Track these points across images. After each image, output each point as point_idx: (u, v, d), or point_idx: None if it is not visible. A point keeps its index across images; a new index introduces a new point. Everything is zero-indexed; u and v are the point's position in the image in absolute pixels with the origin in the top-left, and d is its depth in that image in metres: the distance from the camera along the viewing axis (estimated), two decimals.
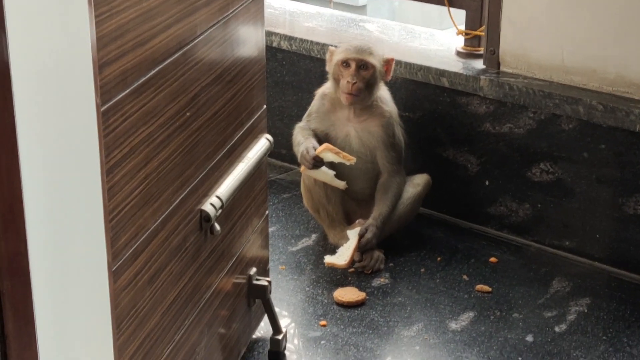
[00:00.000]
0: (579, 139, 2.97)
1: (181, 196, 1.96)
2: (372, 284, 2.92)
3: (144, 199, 1.78)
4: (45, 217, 1.41)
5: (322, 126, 3.05)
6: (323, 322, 2.74)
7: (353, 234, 2.98)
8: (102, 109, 1.57)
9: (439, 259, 3.07)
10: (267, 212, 2.59)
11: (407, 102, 3.27)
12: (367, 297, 2.85)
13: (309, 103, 3.15)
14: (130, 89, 1.68)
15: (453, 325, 2.73)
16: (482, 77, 3.09)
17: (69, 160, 1.43)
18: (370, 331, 2.70)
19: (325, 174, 2.97)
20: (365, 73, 2.94)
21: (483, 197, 3.21)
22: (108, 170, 1.61)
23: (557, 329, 2.71)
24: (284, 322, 2.69)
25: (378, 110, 3.03)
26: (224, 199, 2.15)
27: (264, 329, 2.67)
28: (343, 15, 3.72)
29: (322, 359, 2.59)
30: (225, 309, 2.32)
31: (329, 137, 3.04)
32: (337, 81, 2.99)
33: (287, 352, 2.61)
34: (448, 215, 3.31)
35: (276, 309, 2.59)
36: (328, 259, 2.92)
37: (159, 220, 1.86)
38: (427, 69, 3.20)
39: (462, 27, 3.31)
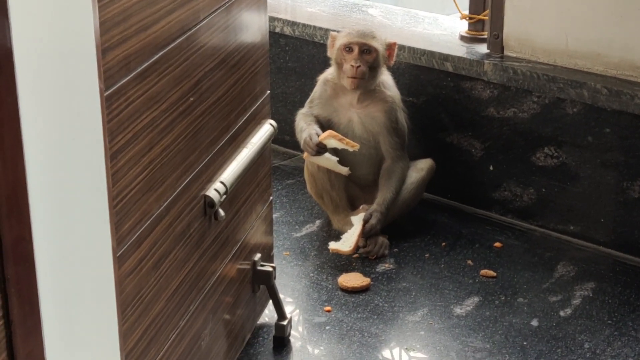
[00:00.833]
0: (583, 123, 2.97)
1: (185, 182, 1.96)
2: (377, 270, 2.92)
3: (148, 185, 1.78)
4: (49, 202, 1.41)
5: (324, 112, 3.04)
6: (328, 308, 2.74)
7: (357, 220, 2.98)
8: (106, 94, 1.56)
9: (443, 244, 3.06)
10: (271, 198, 2.59)
11: (411, 87, 3.26)
12: (372, 283, 2.85)
13: (312, 89, 3.14)
14: (133, 74, 1.67)
15: (458, 310, 2.73)
16: (485, 61, 3.08)
17: (72, 146, 1.42)
18: (375, 316, 2.70)
19: (329, 160, 2.97)
20: (368, 57, 2.93)
21: (487, 182, 3.21)
22: (112, 156, 1.60)
23: (562, 314, 2.71)
24: (288, 308, 2.69)
25: (381, 96, 3.02)
26: (228, 184, 2.15)
27: (268, 315, 2.67)
28: (346, 0, 3.71)
29: (327, 344, 2.59)
30: (230, 295, 2.32)
31: (332, 123, 3.04)
32: (340, 66, 2.98)
33: (291, 338, 2.61)
34: (452, 201, 3.31)
35: (281, 295, 2.59)
36: (332, 245, 2.92)
37: (163, 206, 1.86)
38: (431, 54, 3.19)
39: (466, 12, 3.30)
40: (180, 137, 1.92)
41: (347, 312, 2.72)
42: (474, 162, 3.22)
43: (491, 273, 2.90)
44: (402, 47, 3.23)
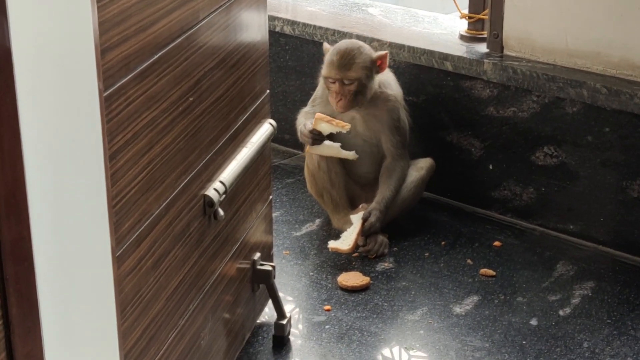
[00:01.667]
0: (583, 123, 2.97)
1: (185, 181, 1.96)
2: (376, 269, 2.92)
3: (148, 184, 1.78)
4: (48, 202, 1.41)
5: (327, 110, 3.04)
6: (327, 307, 2.74)
7: (357, 219, 2.98)
8: (105, 94, 1.56)
9: (443, 243, 3.07)
10: (270, 197, 2.59)
11: (411, 86, 3.26)
12: (371, 282, 2.85)
13: (312, 88, 3.15)
14: (133, 74, 1.67)
15: (457, 309, 2.73)
16: (485, 60, 3.09)
17: (71, 146, 1.42)
18: (375, 315, 2.70)
19: (331, 148, 2.96)
20: (350, 87, 2.92)
21: (487, 181, 3.21)
22: (111, 156, 1.60)
23: (561, 313, 2.71)
24: (288, 307, 2.69)
25: (383, 96, 3.02)
26: (227, 184, 2.15)
27: (268, 314, 2.68)
28: None
29: (327, 343, 2.59)
30: (230, 294, 2.32)
31: None
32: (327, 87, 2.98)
33: (291, 337, 2.61)
34: (452, 200, 3.31)
35: (280, 294, 2.60)
36: (332, 244, 2.92)
37: (163, 206, 1.86)
38: (431, 53, 3.19)
39: (466, 11, 3.30)
40: (179, 137, 1.92)
41: (346, 311, 2.72)
42: (474, 161, 3.22)
43: (491, 272, 2.90)
44: (401, 47, 3.23)
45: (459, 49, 3.20)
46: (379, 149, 3.07)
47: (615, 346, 2.57)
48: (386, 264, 2.95)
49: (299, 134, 3.01)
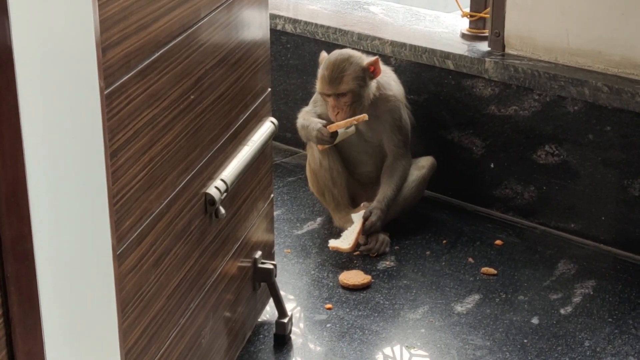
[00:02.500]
0: (584, 121, 2.96)
1: (186, 179, 1.96)
2: (378, 267, 2.92)
3: (149, 182, 1.78)
4: (49, 200, 1.41)
5: (327, 110, 3.04)
6: (328, 306, 2.74)
7: (357, 217, 2.98)
8: (106, 92, 1.56)
9: (444, 241, 3.06)
10: (272, 195, 2.59)
11: (412, 84, 3.26)
12: (373, 280, 2.85)
13: (313, 86, 3.14)
14: (134, 71, 1.67)
15: (458, 308, 2.73)
16: (487, 59, 3.08)
17: (72, 144, 1.42)
18: (376, 314, 2.70)
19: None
20: (345, 99, 2.92)
21: (488, 179, 3.21)
22: (112, 154, 1.60)
23: (562, 311, 2.71)
24: (289, 306, 2.69)
25: (382, 97, 3.02)
26: (228, 182, 2.15)
27: (269, 312, 2.68)
28: None
29: (328, 342, 2.59)
30: (231, 292, 2.32)
31: None
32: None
33: (292, 336, 2.61)
34: (453, 198, 3.31)
35: (281, 293, 2.59)
36: (332, 243, 2.92)
37: (164, 204, 1.86)
38: (432, 52, 3.19)
39: (467, 9, 3.30)
40: (180, 135, 1.92)
41: (347, 310, 2.72)
42: (475, 159, 3.22)
43: (492, 271, 2.90)
44: (403, 45, 3.23)
45: (461, 48, 3.20)
46: (380, 149, 3.07)
47: (617, 345, 2.57)
48: (387, 263, 2.95)
49: (309, 136, 2.98)
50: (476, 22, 3.27)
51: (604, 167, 2.97)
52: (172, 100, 1.86)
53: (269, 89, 2.49)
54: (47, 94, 1.38)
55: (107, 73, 1.57)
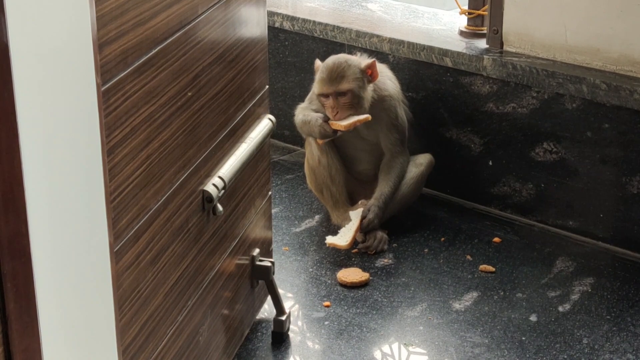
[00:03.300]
0: (582, 119, 2.96)
1: (183, 177, 1.96)
2: (376, 265, 2.92)
3: (146, 180, 1.78)
4: (45, 198, 1.40)
5: (323, 108, 3.04)
6: (327, 303, 2.74)
7: (355, 215, 2.98)
8: (103, 88, 1.56)
9: (442, 239, 3.06)
10: (270, 192, 2.59)
11: (410, 82, 3.26)
12: (371, 278, 2.85)
13: (311, 84, 3.14)
14: (131, 68, 1.67)
15: (457, 306, 2.73)
16: (485, 56, 3.08)
17: (69, 141, 1.42)
18: (374, 312, 2.70)
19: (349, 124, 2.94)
20: (344, 99, 2.91)
21: (486, 177, 3.21)
22: (109, 151, 1.60)
23: (560, 309, 2.71)
24: (287, 303, 2.69)
25: (378, 98, 3.01)
26: (226, 179, 2.15)
27: (267, 310, 2.67)
28: None
29: (326, 339, 2.59)
30: (229, 290, 2.32)
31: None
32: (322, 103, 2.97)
33: (290, 333, 2.61)
34: (451, 196, 3.30)
35: (280, 290, 2.59)
36: (330, 239, 2.92)
37: (161, 201, 1.86)
38: (430, 49, 3.19)
39: (465, 7, 3.30)
40: (178, 132, 1.91)
41: (346, 307, 2.72)
42: (473, 157, 3.22)
43: (490, 268, 2.90)
44: (401, 42, 3.23)
45: (459, 45, 3.19)
46: (378, 147, 3.07)
47: (615, 342, 2.57)
48: (385, 260, 2.95)
49: (310, 131, 2.97)
50: (474, 20, 3.27)
51: (602, 164, 2.96)
52: (169, 97, 1.85)
53: (267, 86, 2.48)
54: (43, 91, 1.38)
55: (104, 70, 1.56)
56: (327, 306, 2.73)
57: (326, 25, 3.39)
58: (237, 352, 2.48)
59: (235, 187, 2.28)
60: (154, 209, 1.83)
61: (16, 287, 1.40)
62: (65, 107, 1.41)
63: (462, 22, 3.32)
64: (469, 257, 2.96)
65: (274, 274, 2.53)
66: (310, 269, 2.90)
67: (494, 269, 2.90)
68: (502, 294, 2.78)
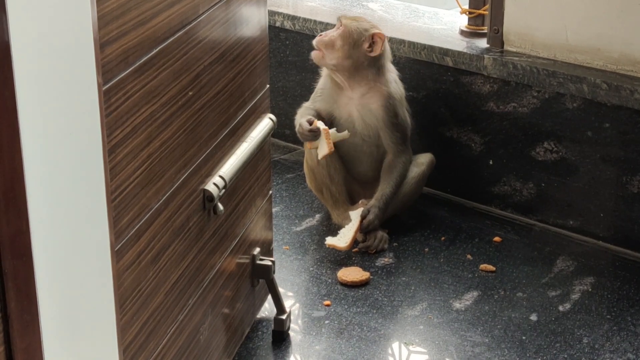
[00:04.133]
0: (583, 118, 2.96)
1: (184, 176, 1.96)
2: (376, 264, 2.92)
3: (147, 179, 1.78)
4: (47, 196, 1.41)
5: (326, 105, 3.04)
6: (327, 302, 2.74)
7: (355, 215, 2.98)
8: (104, 88, 1.56)
9: (443, 238, 3.06)
10: (270, 192, 2.59)
11: (411, 81, 3.26)
12: (371, 277, 2.85)
13: (312, 83, 3.14)
14: (132, 68, 1.67)
15: (457, 305, 2.73)
16: (485, 56, 3.08)
17: (70, 140, 1.42)
18: (374, 311, 2.70)
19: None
20: (335, 33, 2.96)
21: (487, 176, 3.21)
22: (110, 150, 1.60)
23: (561, 308, 2.71)
24: (287, 302, 2.69)
25: (377, 90, 3.01)
26: (227, 178, 2.15)
27: (268, 309, 2.68)
28: None
29: (326, 338, 2.59)
30: (229, 289, 2.32)
31: (334, 117, 3.03)
32: None
33: (291, 332, 2.61)
34: (452, 195, 3.31)
35: (280, 289, 2.59)
36: (329, 241, 2.92)
37: (162, 200, 1.86)
38: (431, 48, 3.19)
39: (466, 6, 3.30)
40: (179, 131, 1.92)
41: (346, 307, 2.72)
42: (474, 156, 3.22)
43: (490, 267, 2.90)
44: (402, 42, 3.23)
45: (459, 45, 3.19)
46: (378, 149, 3.07)
47: (615, 342, 2.57)
48: (386, 259, 2.95)
49: (296, 128, 2.99)
50: (475, 19, 3.27)
51: (602, 163, 2.97)
52: (170, 96, 1.86)
53: (268, 86, 2.49)
54: (44, 90, 1.38)
55: (105, 69, 1.56)
56: (328, 305, 2.73)
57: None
58: (238, 351, 2.48)
59: (235, 186, 2.28)
60: (155, 208, 1.83)
61: (17, 286, 1.41)
62: (67, 106, 1.41)
63: (463, 21, 3.32)
64: (469, 256, 2.96)
65: (274, 273, 2.54)
66: (311, 268, 2.90)
67: (494, 269, 2.90)
68: (502, 293, 2.78)
